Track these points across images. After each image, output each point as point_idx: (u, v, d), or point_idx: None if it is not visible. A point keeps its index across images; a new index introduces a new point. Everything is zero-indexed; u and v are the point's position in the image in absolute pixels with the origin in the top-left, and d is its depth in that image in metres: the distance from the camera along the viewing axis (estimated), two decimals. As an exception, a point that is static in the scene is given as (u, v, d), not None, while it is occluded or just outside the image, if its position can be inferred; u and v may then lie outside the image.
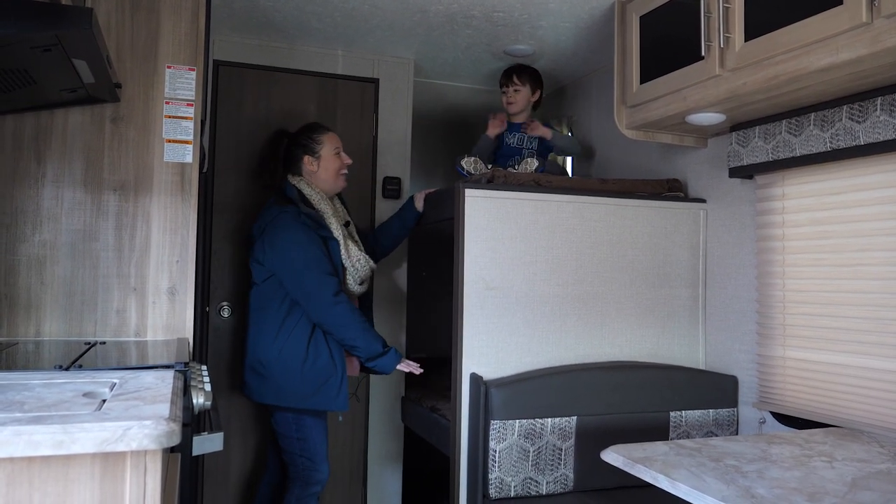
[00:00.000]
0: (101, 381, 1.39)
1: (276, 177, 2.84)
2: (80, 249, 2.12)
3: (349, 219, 2.82)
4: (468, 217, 2.40)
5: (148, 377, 1.44)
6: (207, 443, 1.60)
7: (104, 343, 2.02)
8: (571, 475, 2.37)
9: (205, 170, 2.36)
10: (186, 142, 2.21)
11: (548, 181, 2.57)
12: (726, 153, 2.56)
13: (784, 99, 2.08)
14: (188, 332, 2.19)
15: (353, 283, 2.70)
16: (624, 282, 2.64)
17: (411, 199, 2.98)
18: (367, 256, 2.73)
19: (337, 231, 2.64)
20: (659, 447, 1.79)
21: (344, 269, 2.65)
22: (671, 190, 2.80)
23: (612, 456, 1.74)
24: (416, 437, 3.22)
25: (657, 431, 2.47)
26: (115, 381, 1.39)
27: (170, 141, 2.20)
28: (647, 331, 2.67)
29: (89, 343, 1.99)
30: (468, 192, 2.40)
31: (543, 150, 3.13)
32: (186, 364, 1.60)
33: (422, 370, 2.64)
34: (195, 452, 1.57)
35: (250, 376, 2.62)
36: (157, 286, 2.18)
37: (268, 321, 2.59)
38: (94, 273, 2.13)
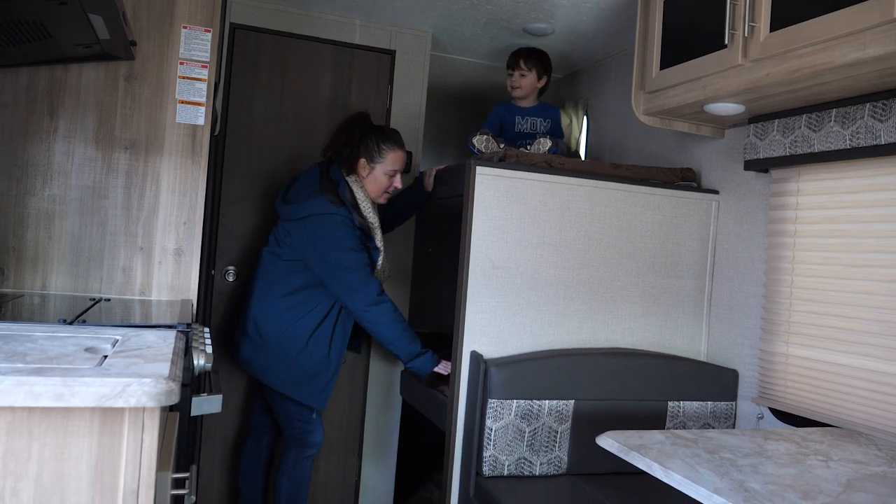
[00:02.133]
0: (103, 337, 1.39)
1: (338, 157, 2.70)
2: (88, 206, 2.12)
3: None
4: (478, 195, 2.39)
5: (150, 336, 1.44)
6: (206, 404, 1.61)
7: (108, 300, 2.02)
8: (565, 458, 2.38)
9: (216, 133, 2.35)
10: (199, 103, 2.20)
11: (560, 163, 2.55)
12: (742, 145, 2.53)
13: (806, 93, 2.05)
14: (192, 293, 2.20)
15: (381, 274, 2.75)
16: (630, 269, 2.63)
17: (420, 177, 2.96)
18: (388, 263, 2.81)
19: (380, 242, 2.69)
20: (655, 436, 1.79)
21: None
22: (684, 179, 2.78)
23: (608, 441, 1.74)
24: (412, 410, 3.23)
25: (654, 420, 2.47)
26: (117, 337, 1.40)
27: (183, 102, 2.19)
28: (650, 319, 2.67)
29: (94, 299, 2.00)
30: (479, 170, 2.39)
31: (558, 131, 3.10)
32: (189, 325, 1.61)
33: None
34: (194, 413, 1.58)
35: (246, 344, 2.62)
36: (163, 246, 2.18)
37: (277, 295, 2.59)
38: (102, 230, 2.13)
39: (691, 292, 2.73)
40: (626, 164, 2.74)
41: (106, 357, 1.20)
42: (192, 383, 1.57)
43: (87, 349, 1.26)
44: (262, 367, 2.61)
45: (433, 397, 2.82)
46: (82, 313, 1.70)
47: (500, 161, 2.47)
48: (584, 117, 3.69)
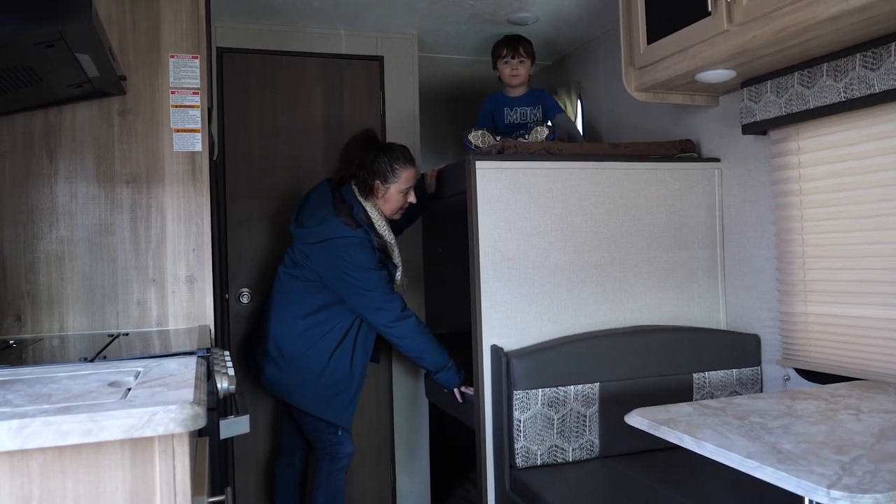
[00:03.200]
0: (125, 371, 1.41)
1: (353, 179, 2.68)
2: (97, 244, 2.14)
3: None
4: (480, 189, 2.39)
5: (171, 364, 1.45)
6: (234, 426, 1.62)
7: (127, 335, 2.04)
8: (597, 441, 2.37)
9: (215, 157, 2.36)
10: (195, 130, 2.22)
11: (559, 149, 2.55)
12: (738, 110, 2.52)
13: (795, 51, 2.04)
14: (209, 319, 2.21)
15: (399, 289, 2.75)
16: (641, 246, 2.62)
17: (421, 179, 2.97)
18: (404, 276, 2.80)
19: (398, 258, 2.70)
20: (683, 408, 1.79)
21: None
22: (684, 151, 2.77)
23: (636, 419, 1.74)
24: (440, 411, 3.24)
25: (681, 393, 2.47)
26: (139, 369, 1.41)
27: (178, 130, 2.20)
28: (666, 294, 2.66)
29: (112, 335, 2.01)
30: (479, 165, 2.39)
31: (553, 108, 3.10)
32: (209, 350, 1.62)
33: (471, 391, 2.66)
34: (223, 436, 1.59)
35: (269, 366, 2.64)
36: (175, 276, 2.19)
37: (297, 315, 2.61)
38: (113, 266, 2.15)
39: (704, 262, 2.72)
40: (625, 142, 2.73)
41: (130, 389, 1.21)
42: (218, 407, 1.58)
43: (111, 384, 1.27)
44: (286, 388, 2.63)
45: (464, 398, 2.82)
46: (102, 350, 1.72)
47: (499, 153, 2.47)
48: (578, 101, 3.69)
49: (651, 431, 1.69)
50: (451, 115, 4.55)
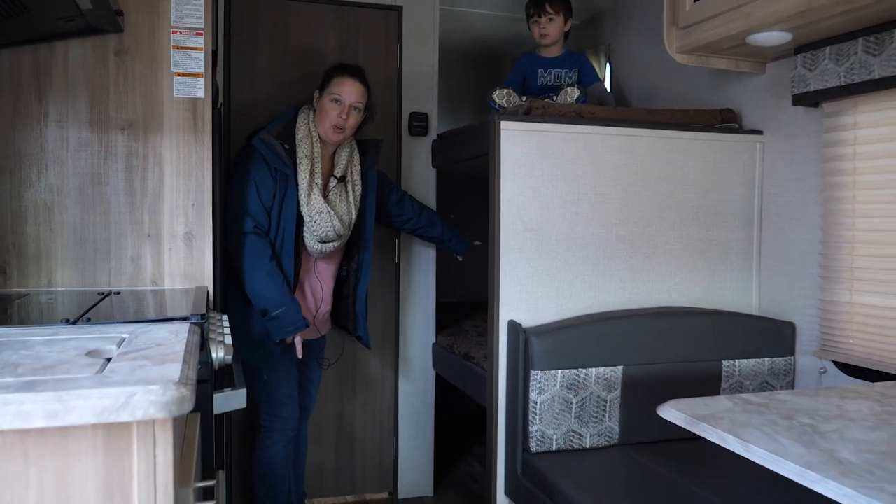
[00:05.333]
0: (108, 337, 1.25)
1: None
2: (89, 194, 1.97)
3: (347, 174, 2.52)
4: (504, 153, 2.21)
5: (161, 331, 1.30)
6: (229, 400, 1.47)
7: (118, 293, 1.89)
8: (617, 428, 2.23)
9: (219, 106, 2.18)
10: (197, 75, 2.03)
11: (591, 112, 2.36)
12: (789, 79, 2.32)
13: (867, 12, 1.84)
14: (207, 279, 2.05)
15: (311, 238, 2.40)
16: (673, 222, 2.44)
17: (467, 245, 2.95)
18: (335, 217, 2.40)
19: (303, 173, 2.36)
20: (722, 402, 1.63)
21: (300, 218, 2.39)
22: (724, 121, 2.57)
23: (672, 413, 1.58)
24: (447, 382, 3.10)
25: (709, 382, 2.31)
26: (124, 336, 1.25)
27: (179, 74, 2.02)
28: (696, 275, 2.49)
29: (102, 293, 1.86)
30: (504, 126, 2.21)
31: (591, 74, 2.89)
32: (204, 316, 1.46)
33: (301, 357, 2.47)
34: (217, 411, 1.44)
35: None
36: (172, 232, 2.03)
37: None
38: (106, 219, 1.98)
39: (739, 243, 2.55)
40: (662, 108, 2.53)
41: (109, 360, 1.05)
42: (212, 379, 1.43)
43: (89, 353, 1.11)
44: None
45: (469, 371, 2.68)
46: (88, 310, 1.56)
47: (526, 114, 2.28)
48: (607, 65, 3.48)
49: (689, 427, 1.53)
50: (470, 74, 4.35)
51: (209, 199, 2.06)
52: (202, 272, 2.05)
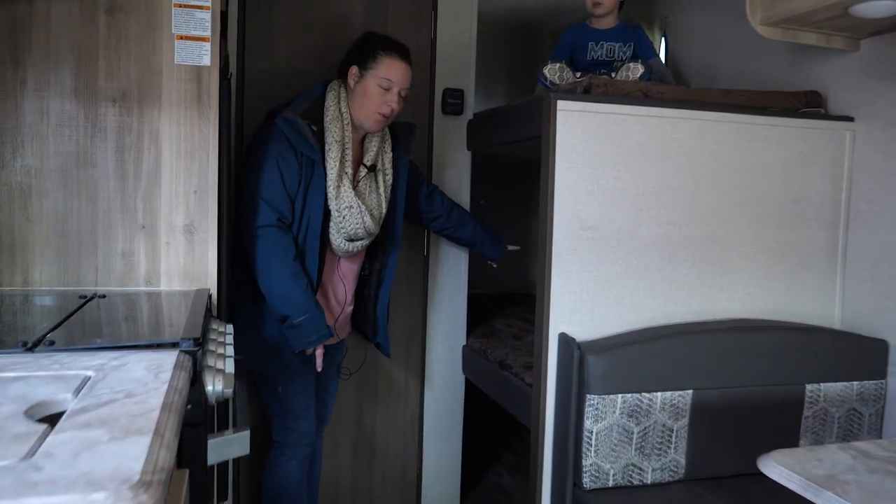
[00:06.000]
0: (68, 376, 0.95)
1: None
2: (73, 177, 1.67)
3: (381, 164, 2.20)
4: (560, 137, 1.88)
5: (138, 366, 1.00)
6: (228, 447, 1.17)
7: (104, 297, 1.59)
8: (683, 461, 1.91)
9: (229, 76, 1.87)
10: (203, 38, 1.72)
11: (659, 92, 2.02)
12: (888, 57, 1.97)
13: None
14: (211, 280, 1.75)
15: (337, 236, 2.09)
16: (750, 220, 2.11)
17: (501, 250, 2.65)
18: (366, 213, 2.09)
19: (332, 161, 2.04)
20: (838, 456, 1.31)
21: (327, 212, 2.07)
22: (809, 105, 2.23)
23: (778, 470, 1.26)
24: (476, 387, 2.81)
25: (790, 408, 1.99)
26: (89, 374, 0.96)
27: (182, 37, 1.71)
28: (773, 282, 2.16)
29: (85, 296, 1.56)
30: (561, 105, 1.88)
31: (647, 51, 2.55)
32: (199, 340, 1.16)
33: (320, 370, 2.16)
34: (212, 461, 1.15)
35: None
36: (170, 223, 1.73)
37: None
38: (93, 207, 1.69)
39: (822, 245, 2.21)
40: (739, 90, 2.18)
41: (54, 425, 0.75)
42: (205, 421, 1.13)
43: (31, 408, 0.81)
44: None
45: (507, 382, 2.37)
46: (59, 324, 1.27)
47: (585, 92, 1.95)
48: (662, 40, 3.12)
49: (804, 493, 1.21)
50: (504, 50, 4.00)
51: (214, 185, 1.75)
52: (204, 271, 1.75)
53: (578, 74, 2.27)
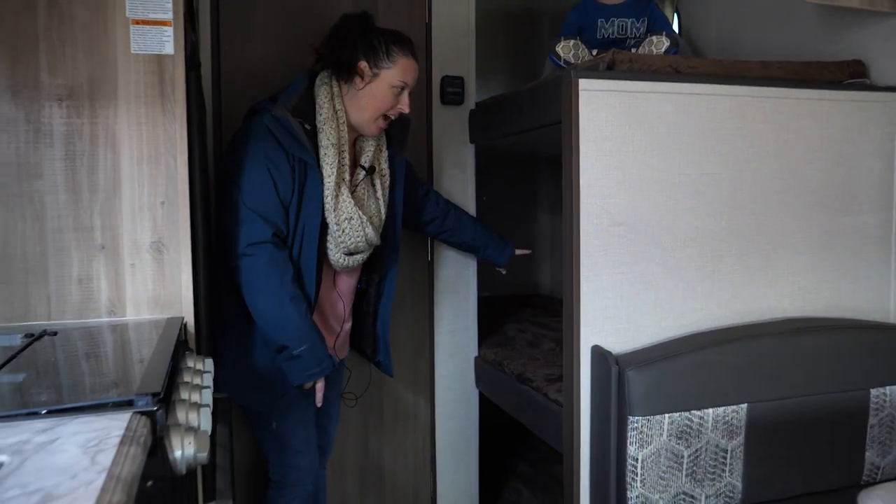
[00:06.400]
0: (-26, 462, 0.70)
1: (333, 62, 1.88)
2: (15, 192, 1.41)
3: (377, 165, 1.95)
4: (584, 121, 1.63)
5: (71, 444, 0.74)
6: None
7: (55, 334, 1.33)
8: (739, 485, 1.67)
9: (197, 66, 1.61)
10: (164, 22, 1.46)
11: (691, 66, 1.78)
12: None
13: None
14: (186, 306, 1.50)
15: (335, 251, 1.85)
16: (796, 207, 1.87)
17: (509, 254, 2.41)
18: (367, 223, 1.86)
19: (328, 167, 1.78)
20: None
21: (324, 224, 1.82)
22: (853, 76, 1.99)
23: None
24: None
25: (853, 416, 1.75)
26: (2, 459, 0.70)
27: (138, 22, 1.45)
28: (822, 275, 1.92)
29: (32, 335, 1.30)
30: (583, 84, 1.63)
31: (662, 26, 2.30)
32: (159, 395, 0.90)
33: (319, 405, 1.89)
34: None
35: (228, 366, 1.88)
36: (135, 241, 1.47)
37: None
38: (40, 227, 1.43)
39: (873, 231, 1.97)
40: (776, 61, 1.94)
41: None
42: (167, 497, 0.88)
43: None
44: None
45: (528, 399, 2.13)
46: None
47: (608, 69, 1.70)
48: (675, 15, 2.88)
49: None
50: (502, 36, 3.74)
51: (185, 194, 1.50)
52: (178, 296, 1.49)
53: (595, 52, 2.02)
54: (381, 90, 1.83)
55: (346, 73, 1.82)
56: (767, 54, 2.30)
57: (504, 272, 2.47)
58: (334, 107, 1.82)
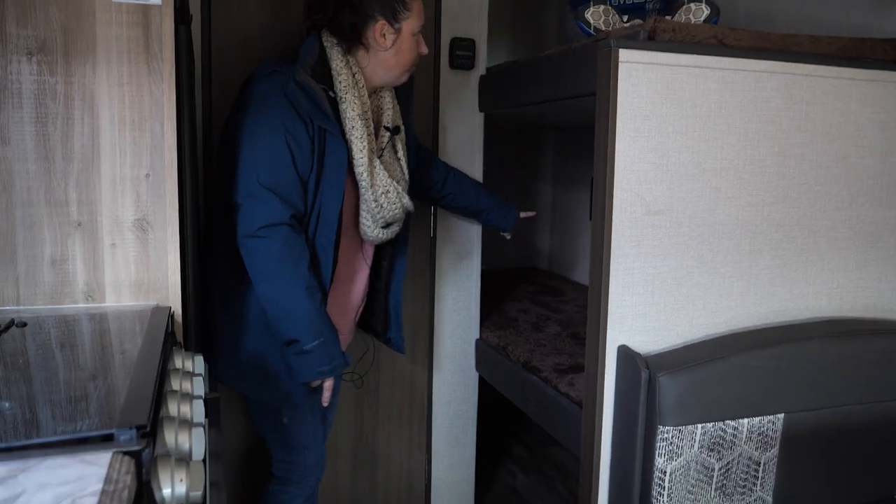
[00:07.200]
0: None
1: (334, 27, 1.67)
2: (-23, 159, 1.23)
3: (401, 123, 1.79)
4: (623, 97, 1.46)
5: (40, 501, 0.59)
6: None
7: (25, 324, 1.16)
8: (770, 499, 1.55)
9: (189, 20, 1.42)
10: (151, -33, 1.27)
11: (737, 39, 1.60)
12: None
13: None
14: (173, 292, 1.33)
15: (372, 224, 1.71)
16: (842, 198, 1.72)
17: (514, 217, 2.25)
18: (401, 189, 1.71)
19: (357, 140, 1.61)
20: None
21: (357, 196, 1.68)
22: (906, 54, 1.82)
23: None
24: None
25: (893, 428, 1.63)
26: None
27: (121, -35, 1.26)
28: (865, 272, 1.78)
29: (-3, 326, 1.14)
30: (624, 56, 1.45)
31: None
32: (144, 428, 0.74)
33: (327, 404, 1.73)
34: None
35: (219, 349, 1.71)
36: (116, 218, 1.30)
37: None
38: (7, 199, 1.25)
39: (919, 224, 1.83)
40: (827, 35, 1.77)
41: None
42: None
43: None
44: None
45: (537, 390, 2.00)
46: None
47: (649, 39, 1.53)
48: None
49: None
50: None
51: (173, 165, 1.32)
52: (164, 280, 1.33)
53: (626, 18, 1.84)
54: (405, 44, 1.66)
55: (359, 40, 1.63)
56: (805, 28, 2.13)
57: (508, 237, 2.31)
58: (351, 70, 1.64)
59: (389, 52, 1.65)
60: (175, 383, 1.05)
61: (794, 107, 1.63)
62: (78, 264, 1.29)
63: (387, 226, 1.73)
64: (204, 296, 1.59)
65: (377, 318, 1.97)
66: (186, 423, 0.93)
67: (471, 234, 2.45)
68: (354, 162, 1.62)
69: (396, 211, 1.71)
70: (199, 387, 1.06)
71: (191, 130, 1.42)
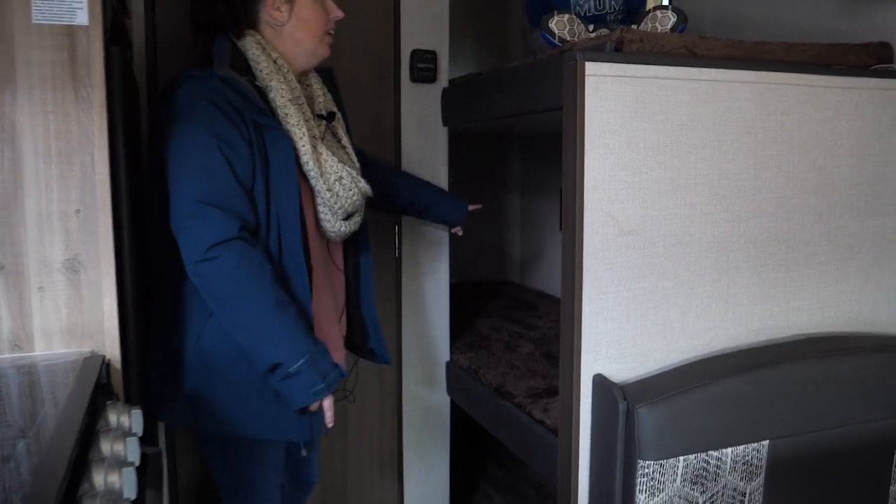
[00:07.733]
0: None
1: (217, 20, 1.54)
2: None
3: (336, 109, 1.68)
4: (591, 112, 1.38)
5: None
6: None
7: (-65, 384, 1.05)
8: (756, 530, 1.48)
9: (127, 41, 1.31)
10: (75, -16, 1.16)
11: (708, 48, 1.54)
12: None
13: None
14: (109, 337, 1.22)
15: (332, 218, 1.58)
16: (820, 210, 1.66)
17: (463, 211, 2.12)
18: (354, 173, 1.60)
19: (295, 127, 1.49)
20: None
21: (311, 191, 1.55)
22: (881, 61, 1.77)
23: None
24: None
25: (879, 451, 1.57)
26: None
27: (42, -17, 1.15)
28: (845, 285, 1.72)
29: None
30: (591, 69, 1.37)
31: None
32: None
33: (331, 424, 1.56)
34: None
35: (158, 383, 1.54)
36: (43, 259, 1.19)
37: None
38: (-82, 242, 1.14)
39: (897, 234, 1.78)
40: (800, 42, 1.71)
41: None
42: None
43: None
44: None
45: (511, 416, 1.92)
46: None
47: (617, 51, 1.45)
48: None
49: None
50: (467, 7, 3.42)
51: (107, 199, 1.21)
52: (99, 325, 1.22)
53: (591, 28, 1.77)
54: (305, 11, 1.56)
55: (257, 22, 1.53)
56: (774, 34, 2.08)
57: (461, 233, 2.19)
58: (272, 58, 1.52)
59: (290, 23, 1.54)
60: (104, 445, 0.94)
61: (769, 117, 1.56)
62: (2, 311, 1.17)
63: (347, 217, 1.61)
64: (146, 338, 1.47)
65: (355, 330, 1.84)
66: (114, 497, 0.82)
67: (439, 254, 2.36)
68: (298, 152, 1.50)
69: (355, 198, 1.58)
70: (133, 450, 0.95)
71: (129, 160, 1.31)
